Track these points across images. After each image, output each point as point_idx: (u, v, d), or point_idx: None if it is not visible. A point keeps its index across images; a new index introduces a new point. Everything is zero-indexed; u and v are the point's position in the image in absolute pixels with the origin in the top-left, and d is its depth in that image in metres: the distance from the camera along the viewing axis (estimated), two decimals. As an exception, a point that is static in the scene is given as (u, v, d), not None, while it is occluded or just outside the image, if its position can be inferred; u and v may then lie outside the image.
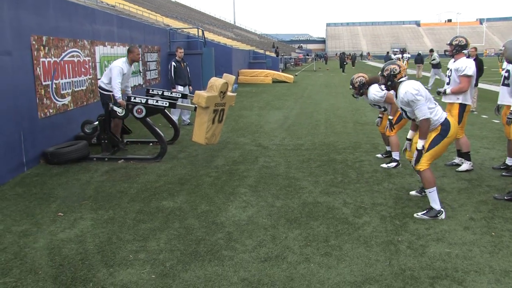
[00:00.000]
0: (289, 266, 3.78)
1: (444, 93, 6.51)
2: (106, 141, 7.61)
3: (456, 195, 5.55)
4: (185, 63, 10.86)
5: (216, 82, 6.84)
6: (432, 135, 4.81)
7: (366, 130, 10.09)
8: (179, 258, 3.94)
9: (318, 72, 40.87)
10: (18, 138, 6.56)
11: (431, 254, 3.98)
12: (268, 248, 4.12)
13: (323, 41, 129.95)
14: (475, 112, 12.39)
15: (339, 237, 4.36)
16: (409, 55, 39.97)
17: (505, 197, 5.31)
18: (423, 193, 5.32)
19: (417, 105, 4.71)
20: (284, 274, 3.65)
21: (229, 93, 7.18)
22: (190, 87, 10.95)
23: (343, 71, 39.17)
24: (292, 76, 27.44)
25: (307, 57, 72.43)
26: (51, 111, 7.55)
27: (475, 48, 12.95)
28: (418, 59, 31.01)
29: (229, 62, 22.05)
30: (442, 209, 4.82)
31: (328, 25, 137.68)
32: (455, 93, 6.40)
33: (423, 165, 4.82)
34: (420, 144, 4.78)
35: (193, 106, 7.18)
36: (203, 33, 19.19)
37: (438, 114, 4.81)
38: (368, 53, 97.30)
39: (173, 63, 10.60)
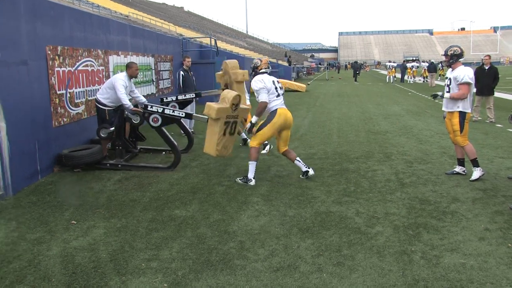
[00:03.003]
0: (301, 275, 3.76)
1: (442, 96, 6.70)
2: (120, 147, 7.66)
3: (470, 205, 5.49)
4: (191, 73, 10.91)
5: (228, 94, 6.83)
6: (261, 123, 6.57)
7: (379, 139, 10.04)
8: (191, 267, 3.94)
9: (331, 81, 40.87)
10: (33, 147, 6.63)
11: (445, 264, 3.93)
12: (281, 258, 4.10)
13: (335, 50, 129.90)
14: (487, 121, 12.30)
15: (352, 246, 4.33)
16: (417, 65, 40.54)
17: (521, 208, 5.24)
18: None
19: (259, 92, 6.53)
20: (296, 284, 3.63)
21: (242, 106, 7.13)
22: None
23: (355, 80, 39.10)
24: (304, 85, 27.43)
25: (320, 66, 72.43)
26: (65, 119, 7.63)
27: (489, 56, 12.91)
28: (431, 67, 30.94)
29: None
30: (252, 179, 6.43)
31: (340, 34, 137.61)
32: (454, 98, 6.46)
33: (252, 143, 6.57)
34: (253, 119, 6.50)
35: (207, 117, 7.20)
36: (215, 42, 19.32)
37: (272, 104, 6.53)
38: (379, 62, 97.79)
39: (181, 72, 10.64)
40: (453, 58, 6.54)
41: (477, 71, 12.70)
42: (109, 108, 7.76)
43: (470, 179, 6.54)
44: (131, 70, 7.85)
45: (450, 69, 6.66)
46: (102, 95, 7.81)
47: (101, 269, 3.91)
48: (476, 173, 6.53)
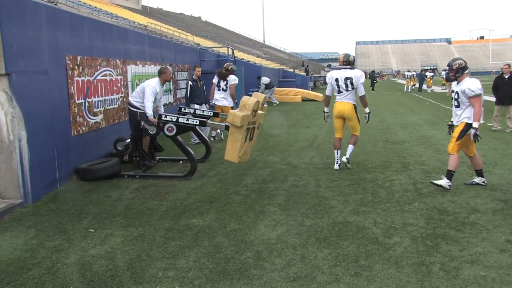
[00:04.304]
0: (318, 286, 3.74)
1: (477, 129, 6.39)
2: (137, 158, 7.72)
3: (490, 216, 5.40)
4: (201, 82, 10.99)
5: (248, 101, 6.85)
6: None
7: (397, 149, 9.96)
8: (208, 276, 3.94)
9: (348, 90, 40.62)
10: (52, 155, 6.71)
11: (465, 277, 3.87)
12: (297, 268, 4.08)
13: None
14: (507, 131, 12.13)
15: (369, 257, 4.29)
16: (432, 74, 40.69)
17: (543, 219, 5.15)
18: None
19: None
20: (313, 294, 3.60)
21: (259, 111, 7.19)
22: (207, 105, 11.03)
23: (372, 90, 38.92)
24: (321, 95, 27.33)
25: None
26: (83, 128, 7.71)
27: (509, 65, 12.76)
28: (449, 77, 30.64)
29: (259, 81, 22.18)
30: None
31: (357, 43, 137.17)
32: (479, 118, 6.34)
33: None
34: (325, 109, 8.46)
35: (223, 124, 7.23)
36: (233, 52, 19.44)
37: (335, 99, 7.91)
38: (398, 71, 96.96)
39: (190, 82, 10.71)
40: (459, 72, 6.51)
41: (496, 80, 12.57)
42: (141, 111, 7.92)
43: (433, 181, 6.60)
44: (165, 75, 8.05)
45: (456, 82, 6.63)
46: (135, 98, 8.03)
47: (118, 277, 3.93)
48: (442, 182, 6.47)
